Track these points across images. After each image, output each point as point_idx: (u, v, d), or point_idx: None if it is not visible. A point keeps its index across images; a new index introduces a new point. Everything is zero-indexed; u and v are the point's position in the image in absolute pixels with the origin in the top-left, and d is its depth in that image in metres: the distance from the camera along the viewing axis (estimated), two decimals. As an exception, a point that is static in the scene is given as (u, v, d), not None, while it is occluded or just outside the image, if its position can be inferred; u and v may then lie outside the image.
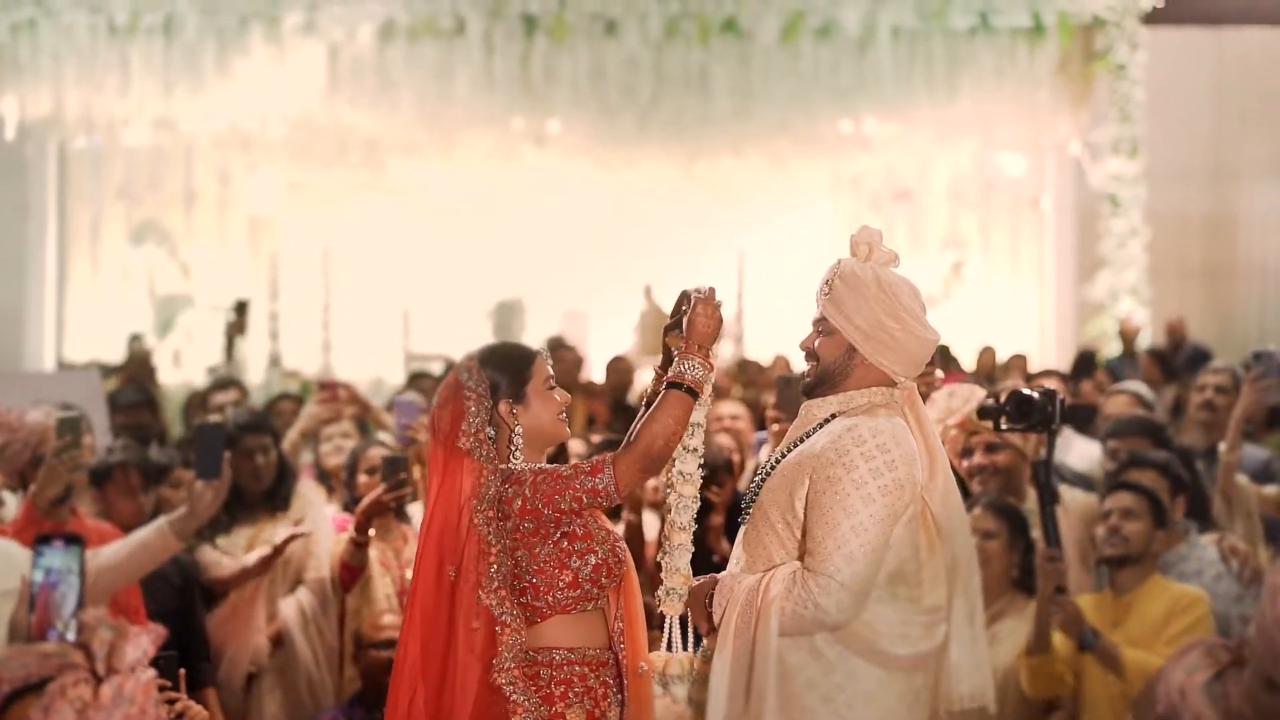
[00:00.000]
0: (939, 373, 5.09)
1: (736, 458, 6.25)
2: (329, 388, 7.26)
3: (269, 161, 17.51)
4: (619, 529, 4.12)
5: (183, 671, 3.88)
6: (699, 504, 3.74)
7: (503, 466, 3.61)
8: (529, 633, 3.56)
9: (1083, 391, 9.16)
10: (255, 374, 15.77)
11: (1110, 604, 5.02)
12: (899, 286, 3.66)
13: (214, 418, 6.87)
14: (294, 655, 5.66)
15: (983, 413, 4.75)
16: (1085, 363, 11.26)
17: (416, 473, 5.82)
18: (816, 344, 3.70)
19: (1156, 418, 6.65)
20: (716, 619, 3.56)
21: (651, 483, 5.62)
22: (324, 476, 6.84)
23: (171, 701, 3.54)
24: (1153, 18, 16.32)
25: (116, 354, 15.25)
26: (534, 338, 14.32)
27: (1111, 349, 15.03)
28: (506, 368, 3.70)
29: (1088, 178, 16.63)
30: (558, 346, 10.33)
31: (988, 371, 11.75)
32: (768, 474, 3.68)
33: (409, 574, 5.71)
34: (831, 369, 3.68)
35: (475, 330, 16.72)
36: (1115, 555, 5.00)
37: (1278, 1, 16.70)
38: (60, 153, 17.64)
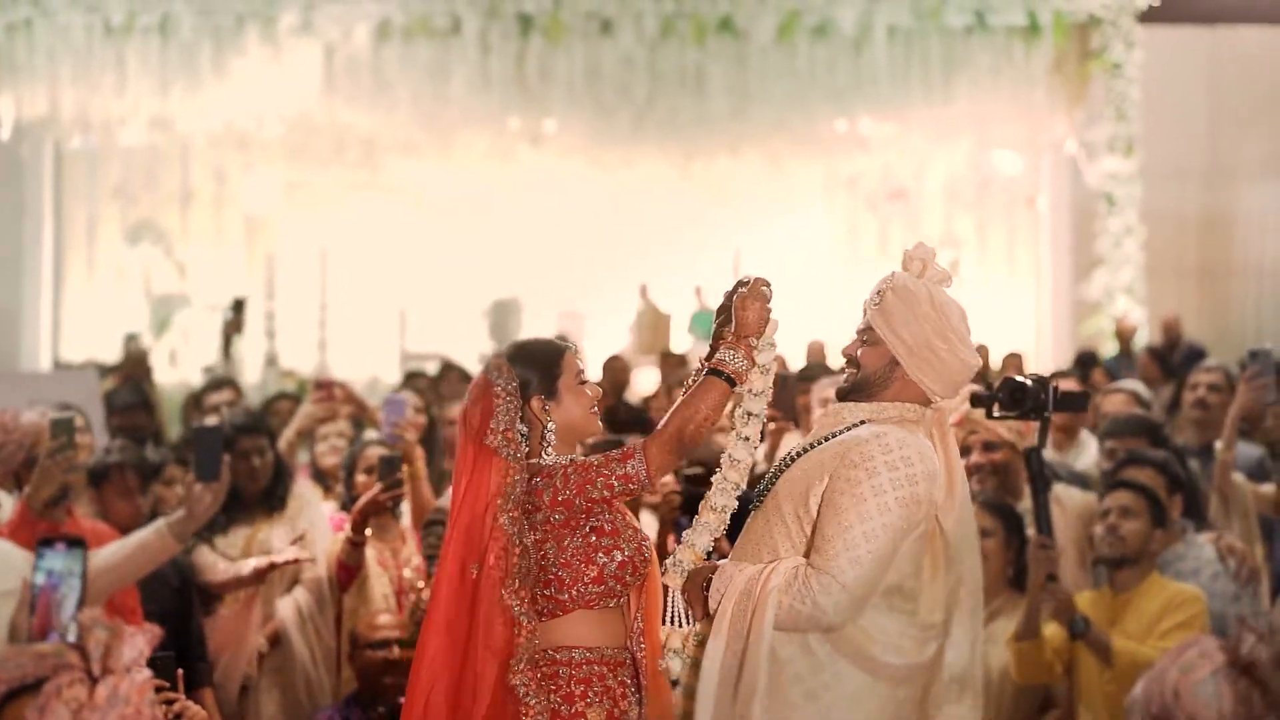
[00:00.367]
0: None
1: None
2: (325, 387, 7.25)
3: (265, 161, 17.52)
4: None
5: (181, 672, 3.89)
6: (741, 490, 3.73)
7: (531, 462, 3.60)
8: (549, 628, 3.56)
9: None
10: (251, 373, 15.77)
11: (1108, 602, 5.02)
12: (950, 307, 3.66)
13: (211, 420, 6.88)
14: (291, 655, 5.66)
15: (975, 400, 4.75)
16: (1086, 362, 11.27)
17: (405, 471, 5.82)
18: (859, 352, 3.69)
19: (1153, 416, 6.66)
20: (713, 606, 3.55)
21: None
22: (320, 476, 6.84)
23: (170, 702, 3.54)
24: (1148, 16, 16.33)
25: (113, 354, 15.25)
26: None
27: (1108, 348, 15.04)
28: (536, 365, 3.69)
29: (1083, 176, 16.65)
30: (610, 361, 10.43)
31: (982, 370, 11.76)
32: (785, 466, 3.68)
33: (406, 573, 5.72)
34: (871, 378, 3.66)
35: (471, 330, 16.74)
36: (1113, 555, 5.00)
37: (1273, 0, 16.71)
38: (56, 152, 17.64)
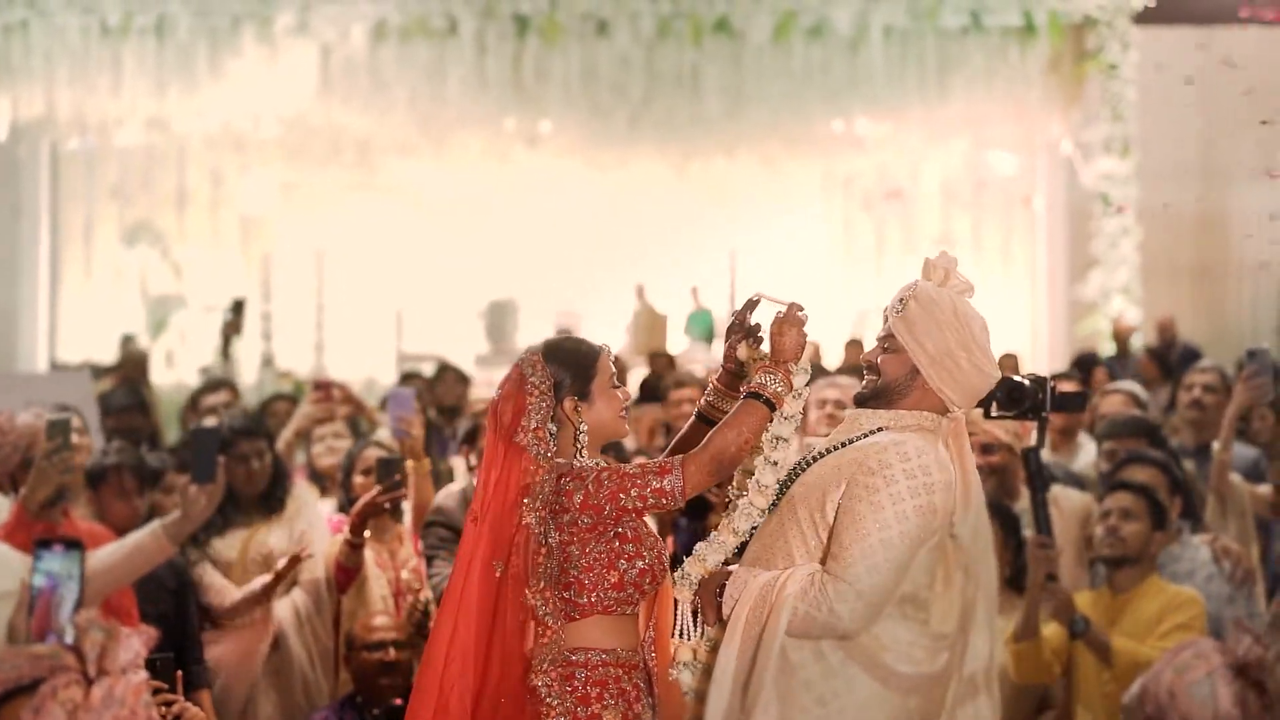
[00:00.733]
0: None
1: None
2: (323, 388, 7.24)
3: (261, 162, 17.51)
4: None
5: (180, 673, 3.88)
6: (765, 517, 3.71)
7: (559, 462, 3.60)
8: (566, 630, 3.55)
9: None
10: (248, 374, 15.76)
11: (1107, 602, 5.03)
12: (973, 318, 3.65)
13: (209, 422, 6.86)
14: (288, 656, 5.65)
15: (973, 401, 4.74)
16: (1085, 363, 11.26)
17: (409, 468, 5.81)
18: (880, 359, 3.68)
19: (1151, 417, 6.66)
20: (726, 612, 3.55)
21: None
22: (316, 476, 6.83)
23: (169, 703, 3.53)
24: (1144, 17, 16.34)
25: (109, 355, 15.23)
26: (527, 339, 14.33)
27: (1104, 348, 15.04)
28: (572, 365, 3.68)
29: (1079, 177, 16.65)
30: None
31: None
32: (801, 470, 3.68)
33: (404, 574, 5.71)
34: (891, 386, 3.66)
35: (468, 331, 16.73)
36: (1113, 556, 5.00)
37: (1269, 1, 16.69)
38: (53, 153, 17.64)
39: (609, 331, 16.45)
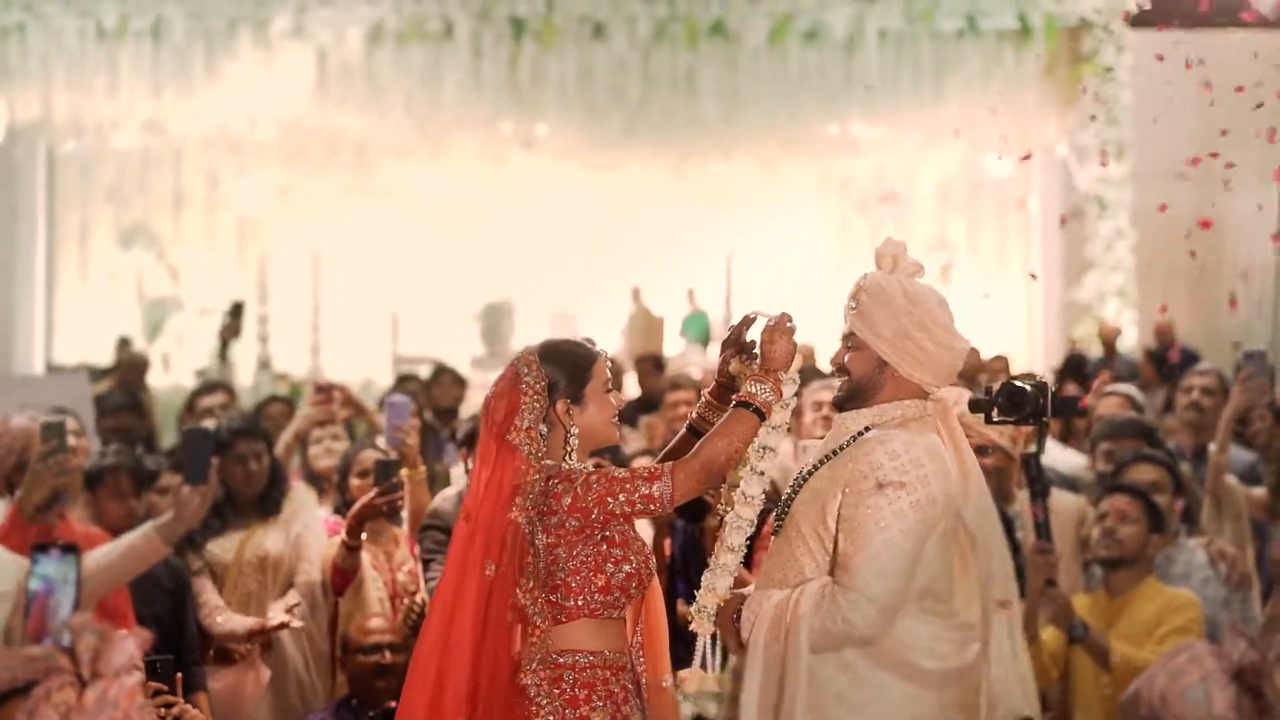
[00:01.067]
0: None
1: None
2: (324, 390, 7.24)
3: (258, 164, 17.50)
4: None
5: (179, 675, 3.88)
6: (754, 528, 3.71)
7: (549, 464, 3.59)
8: (553, 632, 3.55)
9: (1069, 392, 9.15)
10: (244, 376, 15.75)
11: (1104, 605, 5.02)
12: (926, 297, 3.65)
13: (208, 422, 6.85)
14: (283, 659, 5.64)
15: (974, 405, 4.73)
16: (1075, 365, 11.26)
17: (405, 475, 5.81)
18: (846, 359, 3.69)
19: (1147, 420, 6.66)
20: (745, 635, 3.55)
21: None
22: (313, 478, 6.82)
23: (169, 705, 3.52)
24: (1139, 20, 16.33)
25: (106, 357, 15.22)
26: (523, 341, 14.32)
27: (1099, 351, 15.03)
28: (567, 367, 3.67)
29: (1074, 180, 16.65)
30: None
31: (972, 373, 11.73)
32: (799, 487, 3.68)
33: (400, 577, 5.70)
34: (863, 383, 3.66)
35: (464, 333, 16.72)
36: (1109, 558, 5.00)
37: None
38: (49, 156, 17.62)
39: (605, 333, 16.44)
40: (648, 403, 9.65)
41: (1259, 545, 6.14)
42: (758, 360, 3.69)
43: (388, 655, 5.22)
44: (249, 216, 17.73)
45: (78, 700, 2.21)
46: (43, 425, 4.65)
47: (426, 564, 5.43)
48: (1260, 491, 6.19)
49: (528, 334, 15.23)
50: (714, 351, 14.80)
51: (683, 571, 5.72)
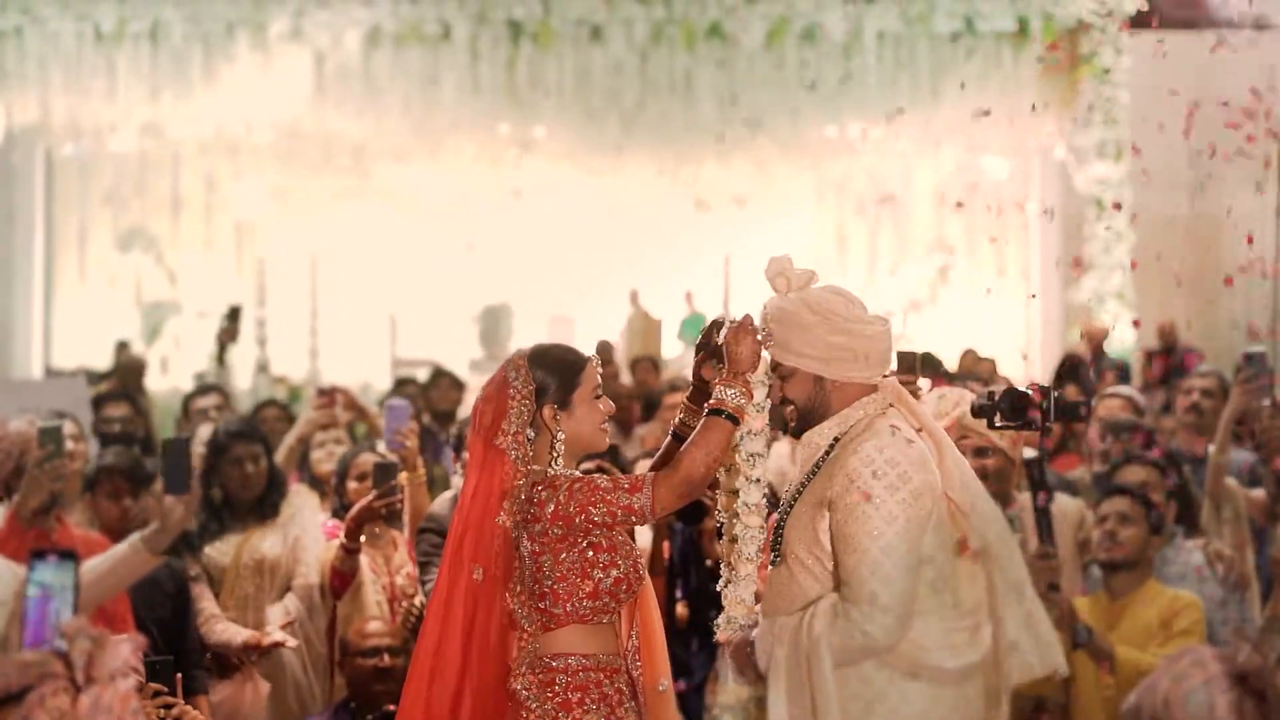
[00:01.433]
0: (922, 381, 5.09)
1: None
2: (327, 394, 7.24)
3: (255, 167, 17.49)
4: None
5: (179, 676, 3.86)
6: (765, 534, 3.71)
7: (535, 469, 3.58)
8: (543, 639, 3.55)
9: (1068, 395, 9.14)
10: (243, 380, 15.73)
11: (1105, 607, 5.02)
12: (829, 301, 3.66)
13: (204, 427, 6.84)
14: (281, 662, 5.64)
15: (976, 411, 4.73)
16: (1071, 367, 11.22)
17: (404, 479, 5.80)
18: (784, 391, 3.69)
19: (1143, 421, 6.65)
20: (763, 665, 3.55)
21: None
22: (315, 482, 6.81)
23: (168, 706, 3.51)
24: (1137, 21, 16.33)
25: (104, 361, 15.21)
26: (521, 343, 14.29)
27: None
28: (556, 372, 3.67)
29: (1073, 181, 16.64)
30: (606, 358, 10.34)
31: (969, 375, 11.72)
32: (786, 513, 3.67)
33: (399, 580, 5.70)
34: (810, 405, 3.67)
35: (462, 336, 16.71)
36: (1110, 560, 4.99)
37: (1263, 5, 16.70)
38: (47, 159, 17.62)
39: (602, 336, 16.44)
40: (647, 404, 9.64)
41: (1259, 547, 6.13)
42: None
43: (386, 658, 5.21)
44: (247, 219, 17.72)
45: (72, 706, 2.20)
46: (40, 430, 4.64)
47: (423, 567, 5.43)
48: (1260, 493, 6.18)
49: (526, 336, 15.21)
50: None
51: (682, 574, 5.73)
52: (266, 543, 5.78)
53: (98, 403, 8.08)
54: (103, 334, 16.48)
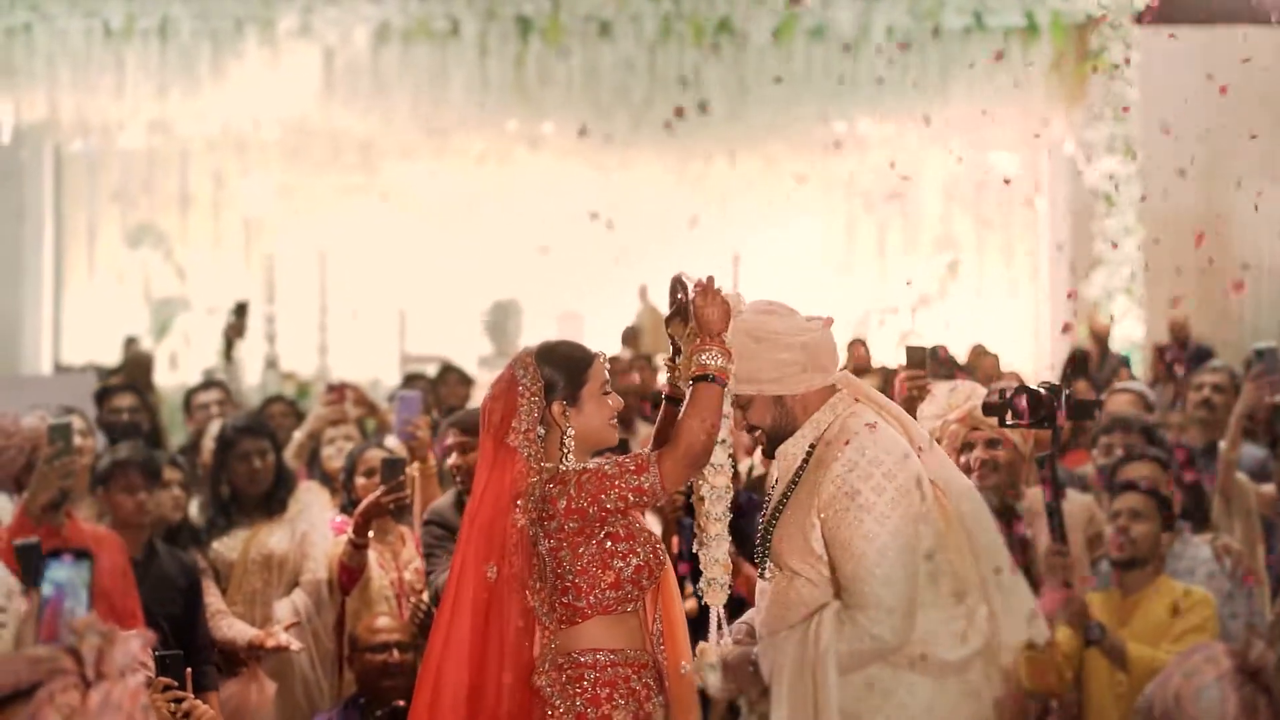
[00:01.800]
0: (930, 380, 5.09)
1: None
2: (336, 390, 7.25)
3: (263, 164, 17.49)
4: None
5: (189, 671, 3.86)
6: (732, 493, 3.72)
7: (546, 466, 3.58)
8: (569, 634, 3.55)
9: (1076, 391, 9.12)
10: (252, 376, 15.73)
11: (1117, 604, 5.01)
12: (767, 323, 3.67)
13: (212, 426, 6.83)
14: (289, 658, 5.64)
15: (987, 409, 4.73)
16: (1078, 362, 11.22)
17: (415, 469, 5.80)
18: (747, 419, 3.69)
19: (1147, 417, 6.64)
20: (767, 677, 3.55)
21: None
22: (326, 478, 6.83)
23: (179, 700, 3.51)
24: (1147, 16, 16.29)
25: (113, 357, 15.23)
26: (529, 340, 14.30)
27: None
28: (564, 368, 3.68)
29: (1082, 177, 16.61)
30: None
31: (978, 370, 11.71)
32: (771, 526, 3.66)
33: (407, 575, 5.70)
34: (777, 425, 3.68)
35: (470, 332, 16.71)
36: (1124, 557, 4.98)
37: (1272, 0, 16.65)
38: (56, 156, 17.63)
39: (611, 333, 16.45)
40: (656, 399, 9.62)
41: (1269, 542, 6.12)
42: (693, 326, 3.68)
43: (395, 654, 5.21)
44: (255, 216, 17.72)
45: (81, 702, 2.19)
46: (49, 427, 4.66)
47: (428, 557, 5.43)
48: (1270, 489, 6.17)
49: (534, 333, 15.20)
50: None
51: (691, 567, 5.73)
52: (274, 538, 5.79)
53: (102, 395, 8.08)
54: (112, 330, 16.51)
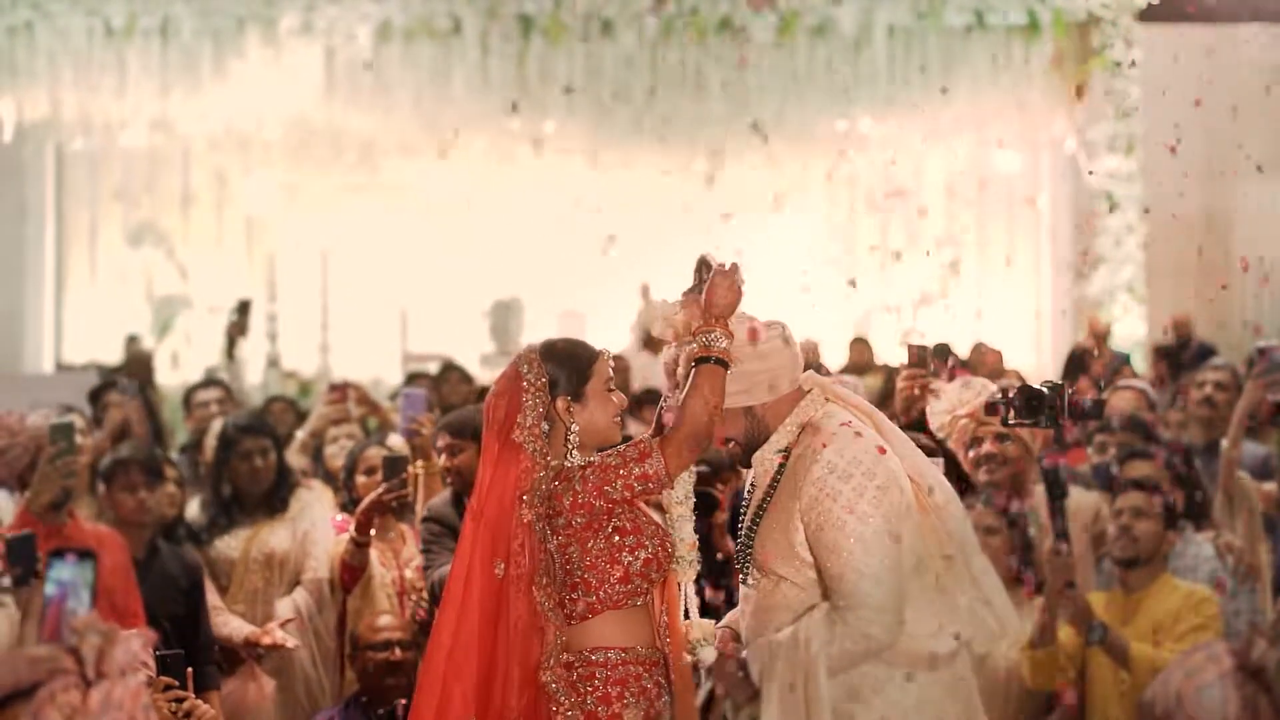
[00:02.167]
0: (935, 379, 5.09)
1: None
2: (339, 389, 7.25)
3: (265, 163, 17.48)
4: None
5: (190, 670, 3.85)
6: (694, 477, 3.73)
7: (553, 463, 3.58)
8: (580, 630, 3.55)
9: (1078, 390, 9.12)
10: (254, 375, 15.74)
11: (1120, 602, 5.01)
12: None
13: (214, 425, 6.83)
14: (291, 657, 5.64)
15: (990, 408, 4.73)
16: (1079, 361, 11.23)
17: (419, 467, 5.80)
18: (719, 430, 3.68)
19: (1144, 415, 6.63)
20: (757, 680, 3.54)
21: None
22: (329, 477, 6.83)
23: (180, 700, 3.51)
24: (1148, 14, 16.29)
25: (115, 356, 15.23)
26: (531, 338, 14.30)
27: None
28: (567, 364, 3.68)
29: (1084, 175, 16.60)
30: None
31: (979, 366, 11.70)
32: (752, 533, 3.65)
33: (408, 573, 5.70)
34: (750, 435, 3.69)
35: (472, 331, 16.71)
36: (1127, 556, 4.98)
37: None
38: (57, 155, 17.62)
39: (614, 330, 16.44)
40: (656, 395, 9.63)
41: (1271, 540, 6.12)
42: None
43: (397, 652, 5.21)
44: (257, 214, 17.72)
45: (82, 701, 2.19)
46: (51, 427, 4.66)
47: (425, 554, 5.43)
48: (1272, 486, 6.17)
49: (536, 331, 15.20)
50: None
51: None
52: (275, 537, 5.79)
53: (96, 394, 8.07)
54: (113, 329, 16.51)
